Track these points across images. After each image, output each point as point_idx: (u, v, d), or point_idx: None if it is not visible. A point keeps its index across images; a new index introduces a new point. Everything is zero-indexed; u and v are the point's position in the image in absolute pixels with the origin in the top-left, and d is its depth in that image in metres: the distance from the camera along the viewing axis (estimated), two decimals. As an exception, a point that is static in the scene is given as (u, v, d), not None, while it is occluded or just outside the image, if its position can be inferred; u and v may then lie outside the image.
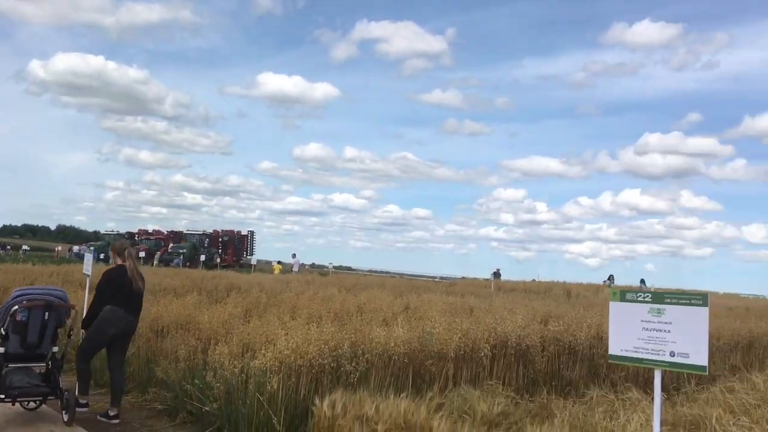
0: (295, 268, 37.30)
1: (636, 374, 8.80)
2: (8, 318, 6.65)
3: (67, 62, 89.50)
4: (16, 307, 6.65)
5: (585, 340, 9.20)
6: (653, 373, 4.56)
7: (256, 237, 58.91)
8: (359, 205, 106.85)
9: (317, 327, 7.24)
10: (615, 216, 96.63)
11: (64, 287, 9.29)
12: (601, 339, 9.02)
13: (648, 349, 4.47)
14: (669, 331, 4.37)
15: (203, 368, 7.00)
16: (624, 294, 4.67)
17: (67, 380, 7.32)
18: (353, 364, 6.63)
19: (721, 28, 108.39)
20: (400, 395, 6.00)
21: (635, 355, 4.55)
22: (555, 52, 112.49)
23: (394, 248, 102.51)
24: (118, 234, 51.10)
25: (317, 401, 5.80)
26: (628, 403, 7.02)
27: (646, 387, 7.41)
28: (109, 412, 6.87)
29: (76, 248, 52.88)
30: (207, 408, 6.54)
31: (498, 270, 41.15)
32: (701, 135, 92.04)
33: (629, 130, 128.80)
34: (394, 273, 58.84)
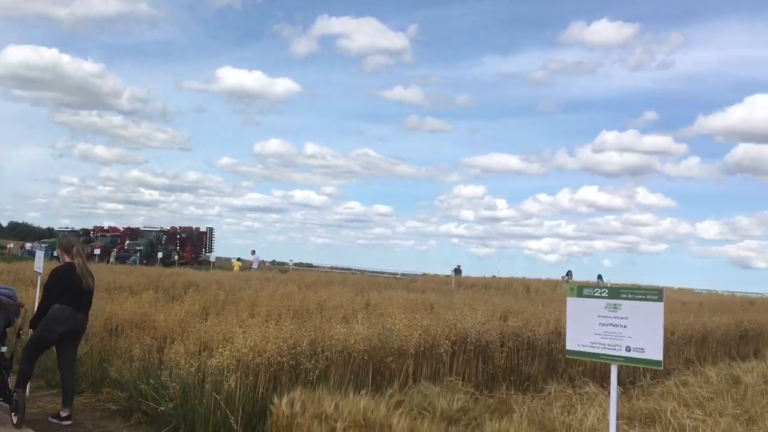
0: (255, 265, 36.96)
1: (593, 369, 8.91)
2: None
3: (19, 55, 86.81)
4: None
5: (543, 335, 9.29)
6: (610, 368, 4.61)
7: (216, 234, 58.18)
8: (320, 201, 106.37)
9: (276, 325, 7.18)
10: (573, 213, 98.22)
11: (15, 285, 9.05)
12: (560, 334, 9.11)
13: (604, 344, 4.51)
14: (625, 326, 4.41)
15: (159, 367, 6.87)
16: (581, 289, 4.71)
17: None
18: (312, 361, 6.58)
19: (676, 28, 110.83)
20: (359, 393, 5.97)
21: (592, 351, 4.59)
22: (515, 50, 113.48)
23: (356, 245, 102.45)
24: (72, 231, 49.98)
25: (276, 400, 5.74)
26: (586, 397, 7.11)
27: (603, 381, 7.51)
28: (60, 413, 6.72)
29: (28, 245, 51.52)
30: (162, 408, 6.43)
31: (459, 266, 41.38)
32: (657, 133, 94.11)
33: (587, 128, 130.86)
34: (355, 270, 58.77)
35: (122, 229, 53.05)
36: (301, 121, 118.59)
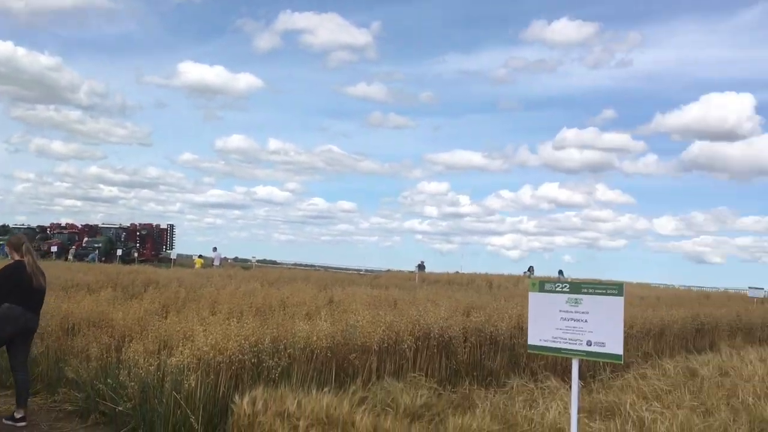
0: (216, 262, 36.57)
1: (555, 363, 9.01)
2: None
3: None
4: None
5: (506, 330, 9.36)
6: (571, 362, 4.65)
7: (177, 230, 57.43)
8: (283, 197, 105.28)
9: (238, 322, 7.09)
10: (535, 209, 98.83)
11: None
12: (522, 329, 9.19)
13: (566, 339, 4.55)
14: (586, 321, 4.46)
15: (117, 367, 6.75)
16: (543, 284, 4.74)
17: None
18: (275, 359, 6.52)
19: (634, 27, 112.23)
20: (322, 390, 5.94)
21: (553, 345, 4.63)
22: (477, 47, 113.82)
23: (319, 241, 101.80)
24: (28, 228, 48.88)
25: (237, 398, 5.67)
26: (547, 391, 7.19)
27: (565, 375, 7.60)
28: (15, 414, 6.55)
29: (-19, 243, 50.27)
30: (121, 408, 6.30)
31: (422, 262, 41.68)
32: (615, 131, 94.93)
33: (548, 125, 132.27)
34: (318, 266, 58.61)
35: (80, 226, 51.95)
36: (264, 116, 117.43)
